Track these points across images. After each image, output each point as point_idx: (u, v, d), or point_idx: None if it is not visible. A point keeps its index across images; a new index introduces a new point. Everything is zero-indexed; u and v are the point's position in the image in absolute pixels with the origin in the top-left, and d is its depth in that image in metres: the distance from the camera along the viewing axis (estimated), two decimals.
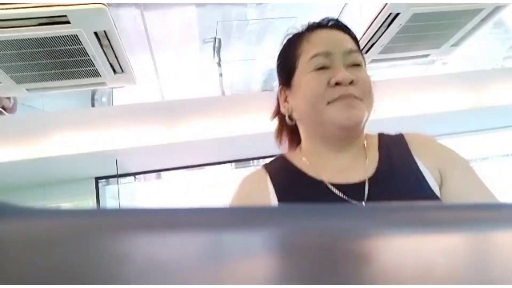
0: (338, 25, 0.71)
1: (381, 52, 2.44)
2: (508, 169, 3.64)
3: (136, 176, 3.48)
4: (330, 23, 0.72)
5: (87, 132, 2.65)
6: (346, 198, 0.62)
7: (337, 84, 0.64)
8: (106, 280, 0.11)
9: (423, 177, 0.64)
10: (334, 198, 0.63)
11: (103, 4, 1.68)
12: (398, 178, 0.64)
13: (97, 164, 2.89)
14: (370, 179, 0.64)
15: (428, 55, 2.65)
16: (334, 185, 0.65)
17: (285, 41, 0.75)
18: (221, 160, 3.29)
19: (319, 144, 0.70)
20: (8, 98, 2.81)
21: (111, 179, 3.24)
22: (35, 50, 1.88)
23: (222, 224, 0.16)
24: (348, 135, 0.68)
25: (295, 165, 0.71)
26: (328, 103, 0.64)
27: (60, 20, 1.70)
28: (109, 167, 2.95)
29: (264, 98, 2.85)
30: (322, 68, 0.66)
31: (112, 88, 3.10)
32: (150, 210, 0.17)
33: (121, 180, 3.25)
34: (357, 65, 0.67)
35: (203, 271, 0.12)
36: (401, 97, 2.91)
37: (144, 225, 0.15)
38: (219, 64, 3.07)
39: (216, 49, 2.94)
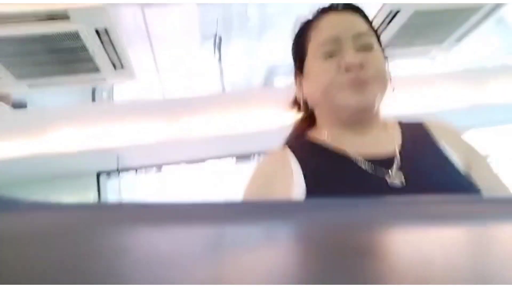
0: (347, 7, 0.70)
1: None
2: (509, 167, 3.62)
3: (137, 171, 3.49)
4: (339, 6, 0.70)
5: (88, 127, 2.65)
6: (371, 171, 0.61)
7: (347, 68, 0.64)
8: (107, 274, 0.11)
9: (447, 157, 0.65)
10: (360, 171, 0.62)
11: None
12: (421, 156, 0.65)
13: (99, 159, 2.90)
14: (395, 156, 0.64)
15: (429, 52, 2.64)
16: (359, 157, 0.64)
17: (296, 27, 0.75)
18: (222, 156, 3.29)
19: (338, 127, 0.70)
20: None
21: (112, 174, 3.26)
22: (36, 46, 1.88)
23: (225, 219, 0.16)
24: (362, 118, 0.68)
25: (319, 140, 0.70)
26: (338, 89, 0.64)
27: (60, 16, 1.70)
28: (110, 162, 2.95)
29: (265, 95, 2.85)
30: (331, 55, 0.66)
31: (113, 84, 3.10)
32: (151, 205, 0.17)
33: (122, 175, 3.26)
34: (368, 47, 0.66)
35: (205, 266, 0.12)
36: (402, 95, 2.90)
37: (145, 219, 0.15)
38: (219, 60, 3.06)
39: (216, 46, 2.93)
